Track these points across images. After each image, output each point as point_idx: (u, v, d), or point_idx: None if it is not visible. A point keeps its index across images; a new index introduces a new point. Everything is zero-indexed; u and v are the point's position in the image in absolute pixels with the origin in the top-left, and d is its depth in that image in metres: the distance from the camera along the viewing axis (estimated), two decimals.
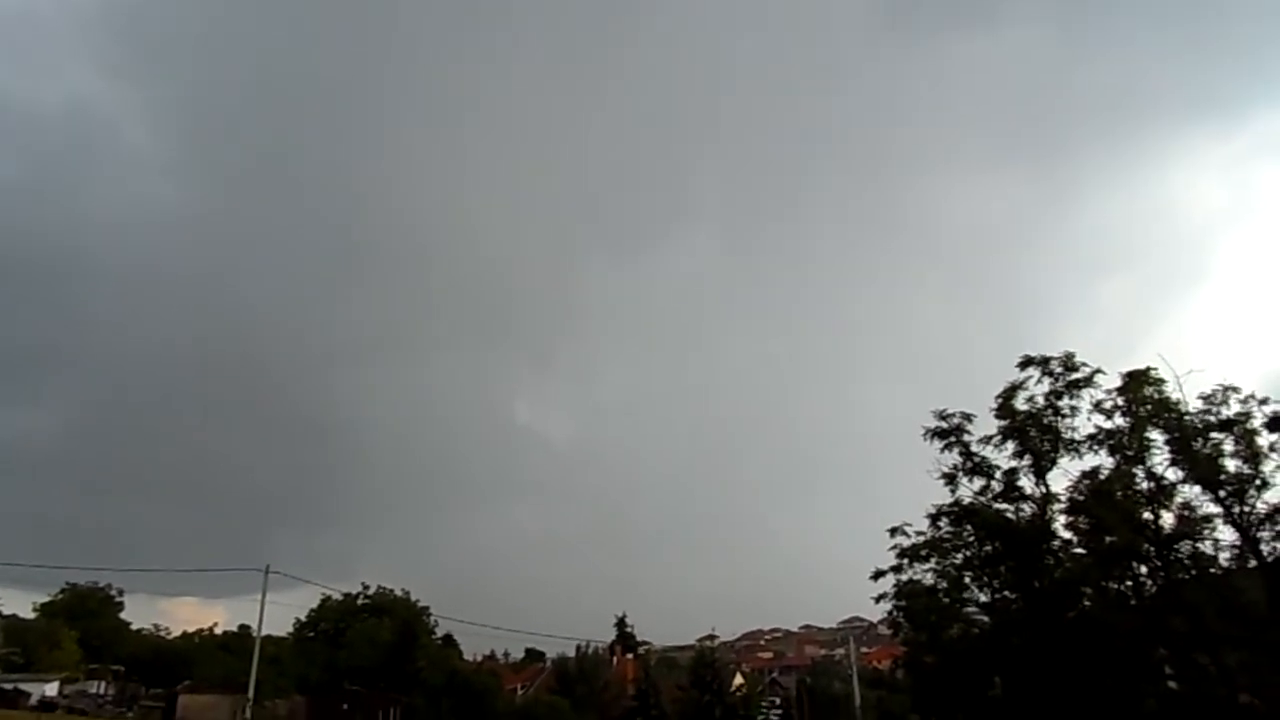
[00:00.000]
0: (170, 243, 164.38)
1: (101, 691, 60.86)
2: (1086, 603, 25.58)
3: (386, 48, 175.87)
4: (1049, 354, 26.84)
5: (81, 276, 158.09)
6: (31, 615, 70.75)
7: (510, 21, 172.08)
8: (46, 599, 72.66)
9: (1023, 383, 27.09)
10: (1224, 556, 23.63)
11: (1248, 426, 23.53)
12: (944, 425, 28.02)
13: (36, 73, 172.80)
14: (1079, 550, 25.98)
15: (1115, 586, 25.54)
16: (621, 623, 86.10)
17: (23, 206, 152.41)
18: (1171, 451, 24.42)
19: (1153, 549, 24.28)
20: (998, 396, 27.44)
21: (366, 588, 72.03)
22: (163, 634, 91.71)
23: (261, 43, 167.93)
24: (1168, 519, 24.39)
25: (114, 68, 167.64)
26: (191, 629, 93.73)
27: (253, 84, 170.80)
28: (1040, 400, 26.81)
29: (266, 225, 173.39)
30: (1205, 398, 24.26)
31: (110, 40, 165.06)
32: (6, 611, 65.46)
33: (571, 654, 73.74)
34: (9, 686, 49.38)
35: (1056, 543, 26.54)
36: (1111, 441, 25.37)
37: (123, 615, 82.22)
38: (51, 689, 52.77)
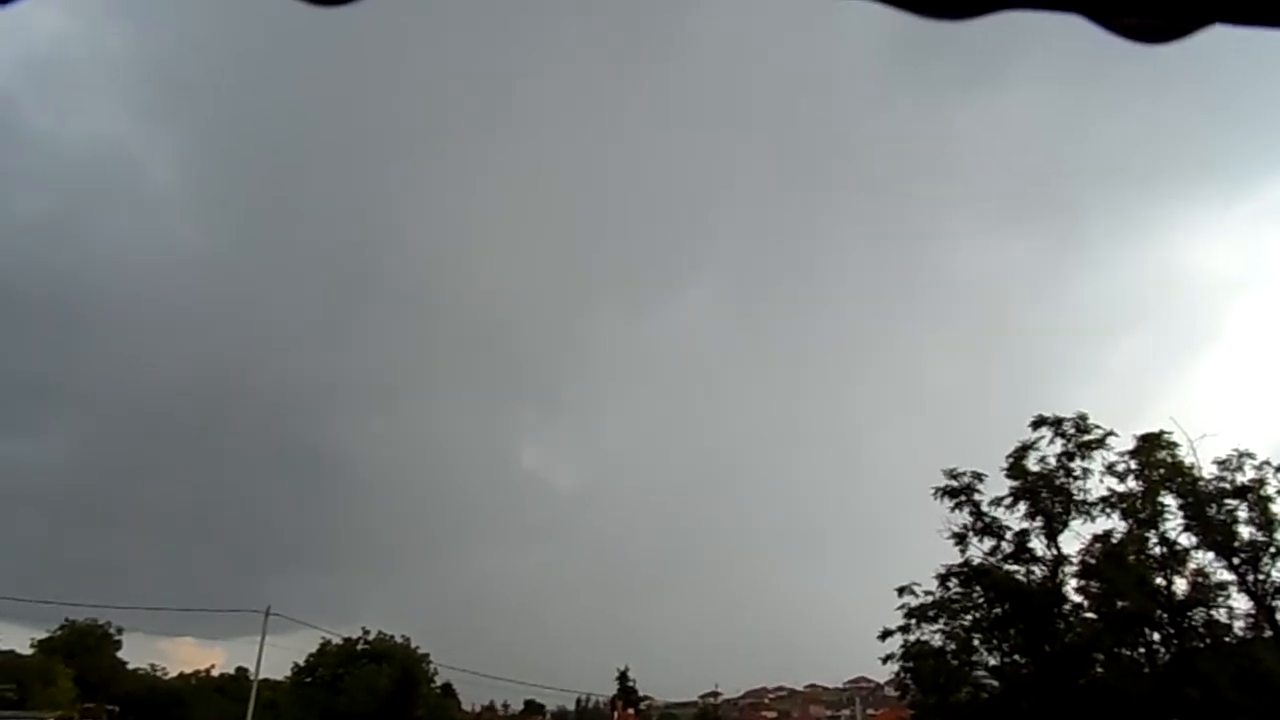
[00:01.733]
0: (181, 281, 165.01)
1: None
2: (1098, 669, 25.21)
3: (404, 91, 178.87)
4: (1061, 414, 26.85)
5: (92, 312, 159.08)
6: (29, 651, 70.03)
7: (526, 67, 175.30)
8: (45, 635, 71.99)
9: (1034, 443, 27.00)
10: (1239, 625, 23.39)
11: (1262, 493, 23.37)
12: (954, 484, 27.83)
13: (65, 113, 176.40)
14: (1090, 615, 25.67)
15: (1128, 653, 25.20)
16: (623, 676, 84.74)
17: (42, 243, 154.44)
18: (1185, 517, 24.25)
19: (1166, 615, 24.00)
20: (1009, 456, 27.30)
21: (367, 632, 71.17)
22: (159, 674, 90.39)
23: (279, 84, 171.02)
24: (1181, 585, 24.17)
25: (140, 109, 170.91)
26: (189, 670, 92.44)
27: (269, 124, 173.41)
28: (1052, 461, 26.69)
29: (277, 264, 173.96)
30: (1220, 463, 24.17)
31: (138, 83, 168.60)
32: (4, 647, 64.85)
33: (572, 707, 72.56)
34: None
35: (1068, 606, 26.22)
36: (1124, 505, 25.21)
37: (120, 654, 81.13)
38: None
